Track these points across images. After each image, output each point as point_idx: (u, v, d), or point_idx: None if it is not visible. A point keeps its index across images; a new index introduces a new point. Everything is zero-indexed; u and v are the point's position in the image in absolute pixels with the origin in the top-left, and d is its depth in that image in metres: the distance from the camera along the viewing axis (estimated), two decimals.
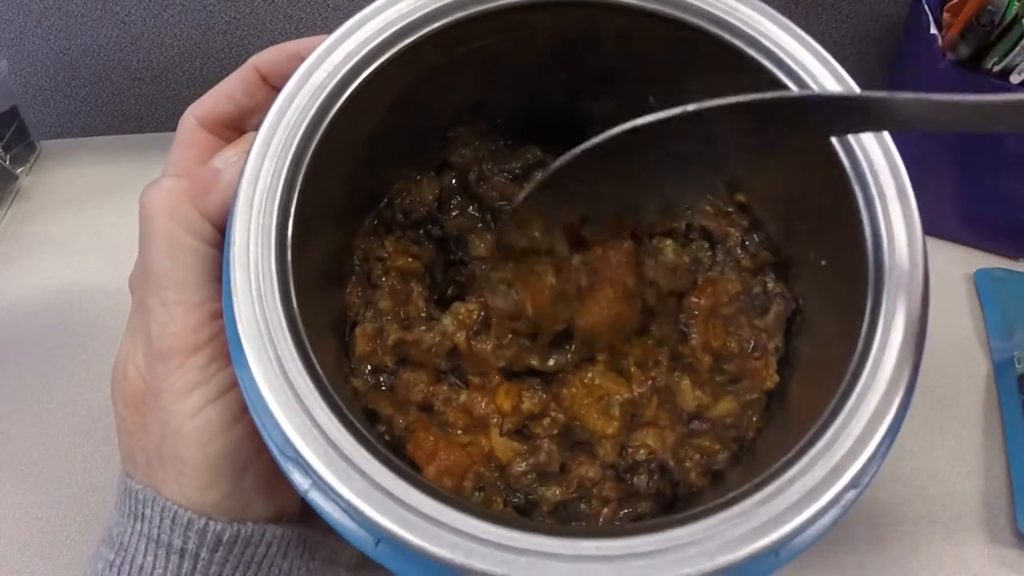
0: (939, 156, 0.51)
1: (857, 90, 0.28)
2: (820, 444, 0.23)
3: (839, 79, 0.28)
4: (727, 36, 0.29)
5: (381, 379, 0.31)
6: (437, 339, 0.31)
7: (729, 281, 0.32)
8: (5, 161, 0.59)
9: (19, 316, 0.53)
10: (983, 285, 0.52)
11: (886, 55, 0.62)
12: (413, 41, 0.28)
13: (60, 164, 0.62)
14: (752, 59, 0.29)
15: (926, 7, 0.49)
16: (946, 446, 0.45)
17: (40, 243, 0.57)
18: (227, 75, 0.31)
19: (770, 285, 0.32)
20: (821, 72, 0.28)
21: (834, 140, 0.28)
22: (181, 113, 0.31)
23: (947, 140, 0.50)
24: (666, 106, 0.33)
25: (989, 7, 0.45)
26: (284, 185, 0.26)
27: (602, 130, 0.25)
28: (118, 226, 0.56)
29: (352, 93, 0.28)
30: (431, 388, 0.31)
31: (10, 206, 0.59)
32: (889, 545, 0.42)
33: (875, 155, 0.27)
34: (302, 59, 0.28)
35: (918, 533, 0.42)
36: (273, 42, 0.30)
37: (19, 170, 0.61)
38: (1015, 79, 0.46)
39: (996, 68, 0.46)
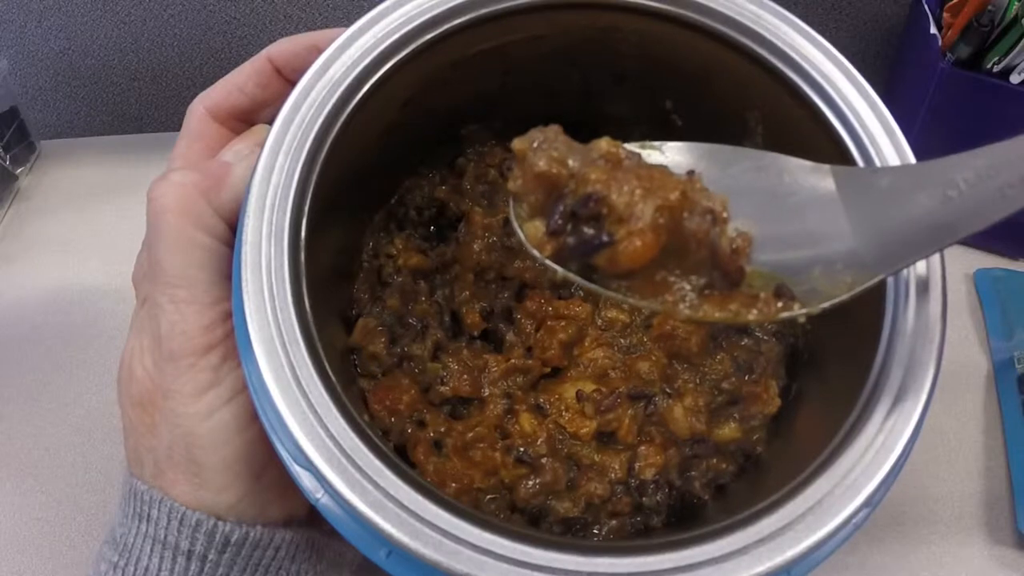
0: (939, 155, 0.51)
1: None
2: (836, 465, 0.23)
3: (863, 93, 0.28)
4: (752, 44, 0.28)
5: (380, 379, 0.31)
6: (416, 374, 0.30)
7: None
8: (5, 161, 0.59)
9: (19, 316, 0.53)
10: (983, 285, 0.52)
11: (886, 55, 0.62)
12: (431, 38, 0.28)
13: (60, 164, 0.62)
14: (776, 69, 0.28)
15: (926, 7, 0.49)
16: (946, 446, 0.45)
17: (40, 243, 0.57)
18: (227, 74, 0.30)
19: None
20: (845, 85, 0.28)
21: (845, 138, 0.28)
22: (181, 113, 0.30)
23: (947, 139, 0.50)
24: (683, 112, 0.32)
25: (989, 7, 0.45)
26: (298, 182, 0.25)
27: (618, 132, 0.25)
28: (118, 226, 0.56)
29: (369, 89, 0.27)
30: (419, 399, 0.31)
31: (10, 206, 0.59)
32: (889, 545, 0.42)
33: (890, 157, 0.27)
34: (319, 51, 0.27)
35: (918, 533, 0.42)
36: (273, 42, 0.29)
37: (19, 170, 0.61)
38: (1015, 79, 0.46)
39: (996, 68, 0.46)
